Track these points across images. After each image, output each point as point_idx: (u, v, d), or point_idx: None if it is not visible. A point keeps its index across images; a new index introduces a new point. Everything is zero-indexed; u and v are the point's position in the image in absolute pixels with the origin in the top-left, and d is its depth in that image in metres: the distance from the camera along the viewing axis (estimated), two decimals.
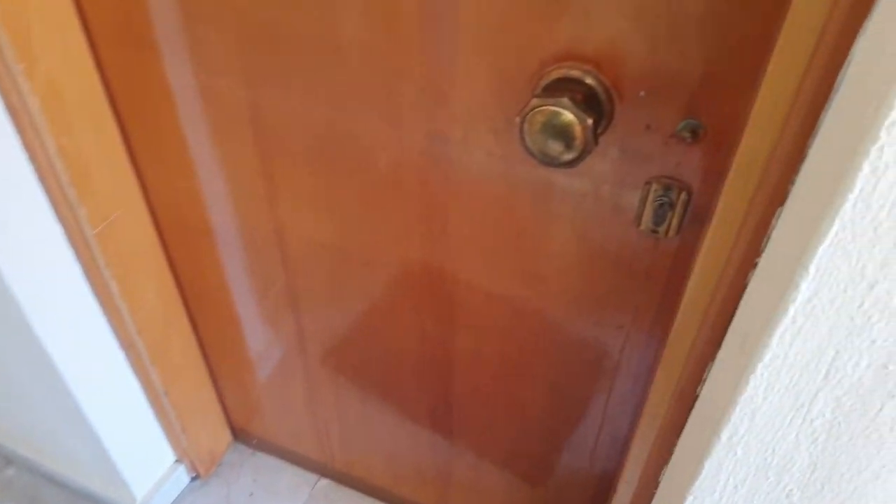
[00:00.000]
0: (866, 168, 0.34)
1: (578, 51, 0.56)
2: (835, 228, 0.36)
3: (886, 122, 0.32)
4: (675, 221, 0.62)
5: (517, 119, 0.57)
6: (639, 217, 0.64)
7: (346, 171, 0.78)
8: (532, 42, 0.57)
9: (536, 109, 0.55)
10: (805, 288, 0.40)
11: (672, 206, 0.61)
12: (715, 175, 0.58)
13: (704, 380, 0.58)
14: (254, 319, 1.07)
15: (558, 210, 0.69)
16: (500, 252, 0.77)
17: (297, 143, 0.78)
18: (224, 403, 1.31)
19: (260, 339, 1.10)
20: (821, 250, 0.38)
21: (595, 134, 0.55)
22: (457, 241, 0.78)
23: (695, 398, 0.60)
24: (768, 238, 0.47)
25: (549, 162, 0.58)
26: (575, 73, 0.56)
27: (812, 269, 0.39)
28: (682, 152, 0.58)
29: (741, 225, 0.52)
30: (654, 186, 0.61)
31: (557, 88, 0.57)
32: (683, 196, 0.60)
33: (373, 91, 0.69)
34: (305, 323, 1.03)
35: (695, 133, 0.56)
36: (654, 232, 0.64)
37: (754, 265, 0.49)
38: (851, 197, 0.35)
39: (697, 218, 0.61)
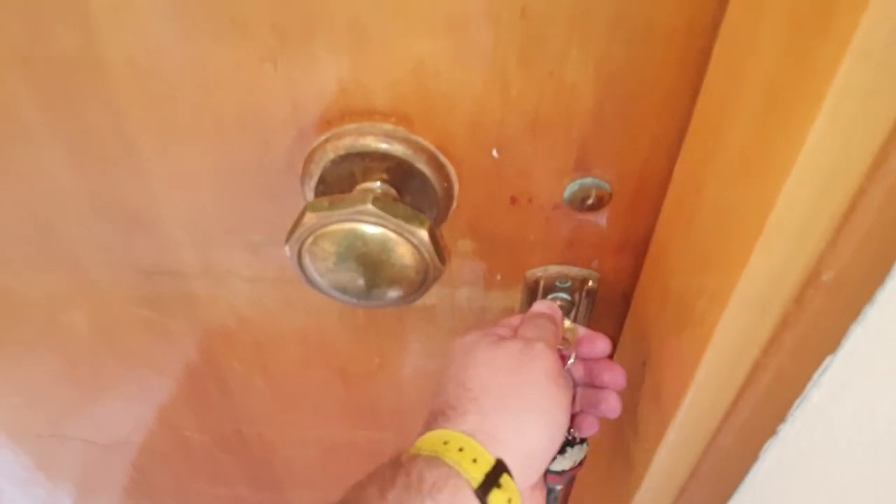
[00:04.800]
0: None
1: (365, 100, 0.30)
2: None
3: None
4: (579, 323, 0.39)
5: (287, 249, 0.30)
6: None
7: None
8: (276, 96, 0.30)
9: (316, 234, 0.28)
10: None
11: (573, 304, 0.38)
12: (631, 253, 0.36)
13: None
14: None
15: (398, 335, 0.43)
16: (327, 399, 0.50)
17: None
18: None
19: None
20: None
21: (438, 246, 0.30)
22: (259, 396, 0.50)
23: None
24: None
25: (366, 304, 0.32)
26: (368, 142, 0.30)
27: None
28: (576, 228, 0.35)
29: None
30: (542, 284, 0.37)
31: (343, 176, 0.31)
32: (588, 290, 0.37)
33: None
34: None
35: (595, 199, 0.33)
36: None
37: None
38: None
39: (612, 312, 0.39)
